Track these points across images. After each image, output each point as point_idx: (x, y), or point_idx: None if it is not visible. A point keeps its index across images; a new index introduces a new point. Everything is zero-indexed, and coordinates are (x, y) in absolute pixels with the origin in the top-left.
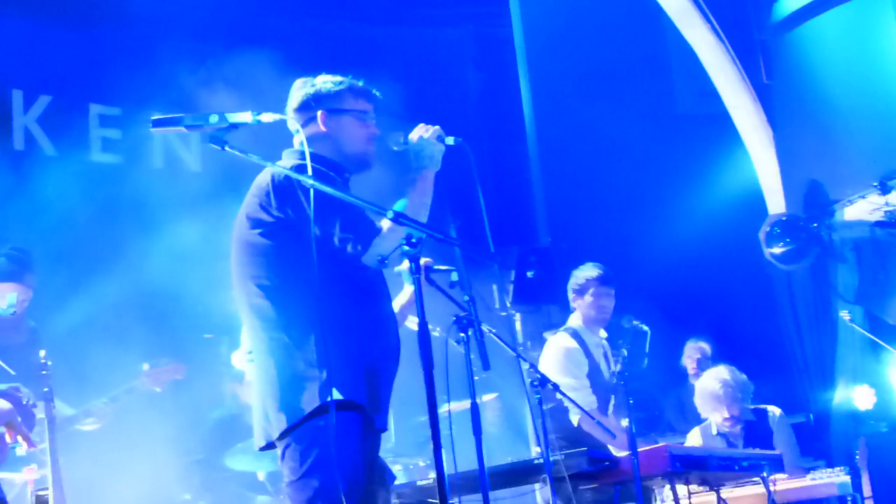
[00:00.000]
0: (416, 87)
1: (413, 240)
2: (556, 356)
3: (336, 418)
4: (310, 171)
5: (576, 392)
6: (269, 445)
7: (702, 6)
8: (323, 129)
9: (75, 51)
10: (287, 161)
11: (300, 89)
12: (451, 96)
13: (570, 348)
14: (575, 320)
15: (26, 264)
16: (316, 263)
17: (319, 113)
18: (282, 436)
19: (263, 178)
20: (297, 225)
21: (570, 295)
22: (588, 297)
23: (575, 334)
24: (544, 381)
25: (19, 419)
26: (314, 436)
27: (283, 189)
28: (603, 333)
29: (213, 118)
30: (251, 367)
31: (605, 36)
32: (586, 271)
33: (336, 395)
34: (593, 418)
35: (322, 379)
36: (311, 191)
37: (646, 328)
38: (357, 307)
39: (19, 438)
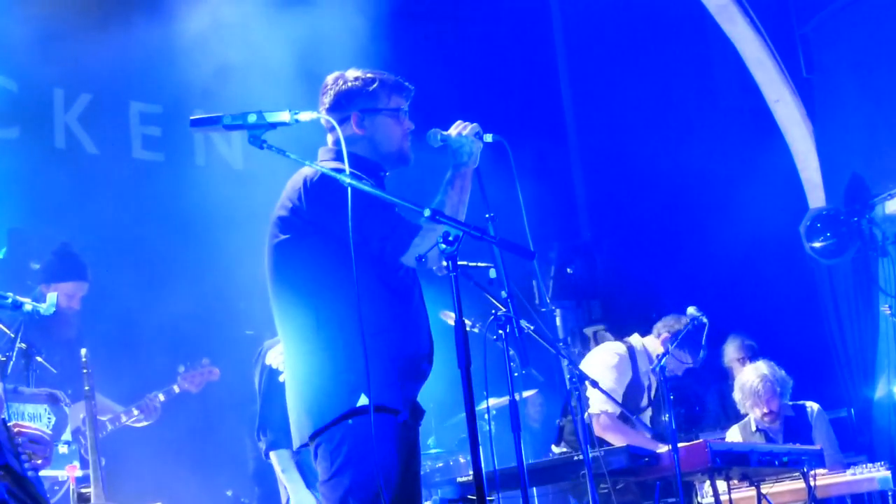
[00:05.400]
0: (455, 83)
1: (450, 237)
2: (609, 356)
3: (366, 419)
4: (347, 171)
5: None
6: (305, 445)
7: (742, 1)
8: (358, 131)
9: (115, 49)
10: (321, 160)
11: (332, 87)
12: (491, 92)
13: (623, 355)
14: (637, 340)
15: (80, 260)
16: (354, 266)
17: (353, 115)
18: (311, 437)
19: (296, 180)
20: (327, 227)
21: (662, 327)
22: (677, 350)
23: (631, 350)
24: (583, 377)
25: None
26: (343, 435)
27: (316, 191)
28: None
29: (252, 117)
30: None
31: (645, 31)
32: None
33: (363, 400)
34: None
35: (351, 383)
36: (349, 189)
37: (705, 320)
38: (388, 309)
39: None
